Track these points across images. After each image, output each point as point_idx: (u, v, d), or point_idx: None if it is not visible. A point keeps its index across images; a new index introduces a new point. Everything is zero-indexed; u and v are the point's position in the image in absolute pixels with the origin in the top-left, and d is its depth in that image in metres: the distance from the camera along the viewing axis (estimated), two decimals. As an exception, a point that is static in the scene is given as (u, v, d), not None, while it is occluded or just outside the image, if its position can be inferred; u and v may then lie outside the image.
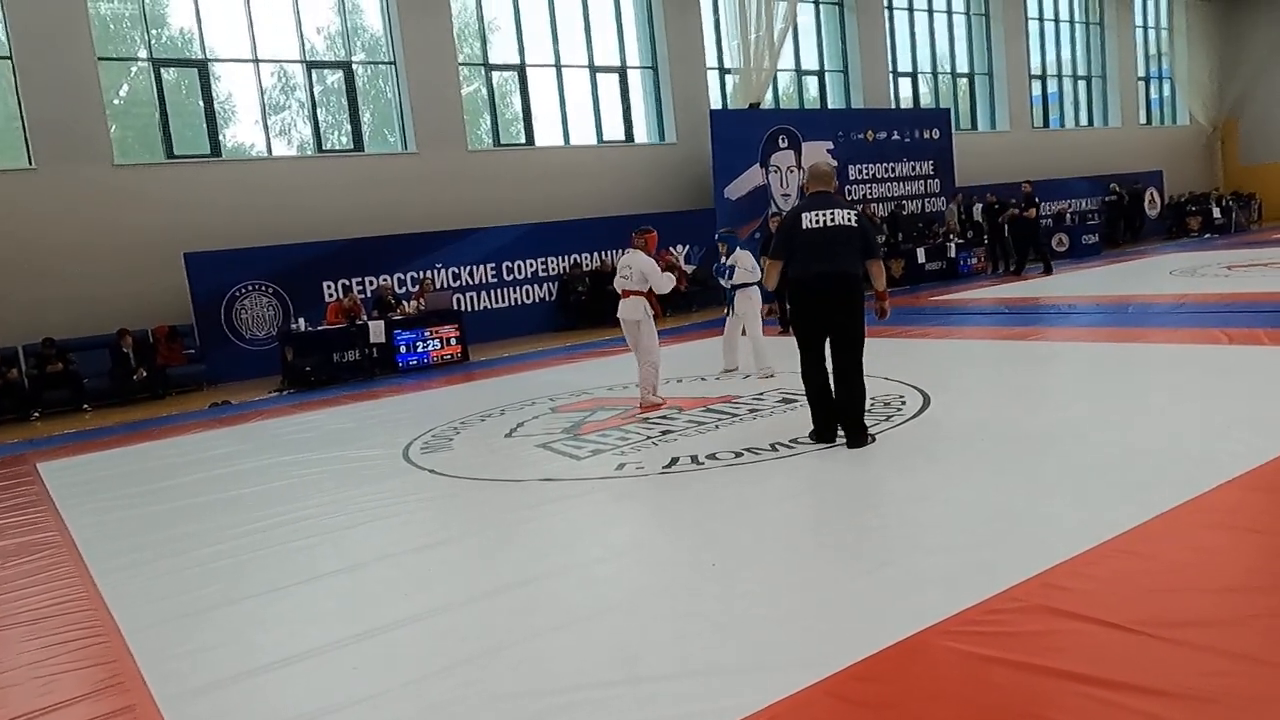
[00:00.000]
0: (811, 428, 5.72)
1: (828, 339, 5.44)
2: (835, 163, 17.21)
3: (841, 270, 5.31)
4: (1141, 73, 25.57)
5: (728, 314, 8.85)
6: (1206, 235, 21.65)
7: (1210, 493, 3.96)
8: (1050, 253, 17.58)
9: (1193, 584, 3.12)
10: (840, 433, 5.59)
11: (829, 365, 5.51)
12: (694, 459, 5.55)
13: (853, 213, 5.46)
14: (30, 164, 11.87)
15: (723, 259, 8.70)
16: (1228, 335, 7.81)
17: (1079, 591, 3.11)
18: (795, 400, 6.99)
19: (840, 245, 5.32)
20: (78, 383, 11.22)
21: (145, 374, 11.46)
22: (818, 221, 5.34)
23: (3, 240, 11.57)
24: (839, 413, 5.51)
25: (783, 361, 8.98)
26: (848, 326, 5.37)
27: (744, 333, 8.64)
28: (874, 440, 5.48)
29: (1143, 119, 25.74)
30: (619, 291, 7.43)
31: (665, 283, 7.36)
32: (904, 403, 6.50)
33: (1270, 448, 4.45)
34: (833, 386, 5.50)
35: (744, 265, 8.50)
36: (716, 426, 6.41)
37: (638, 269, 7.27)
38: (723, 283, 8.77)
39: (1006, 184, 20.09)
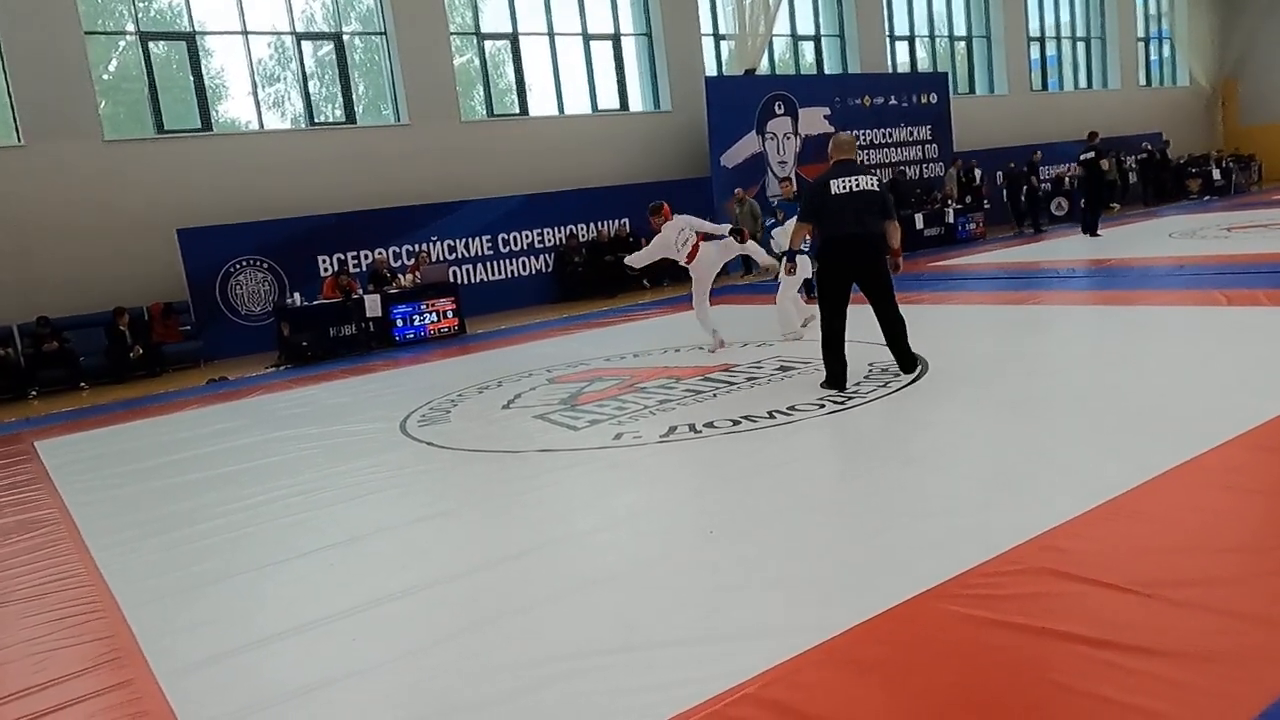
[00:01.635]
0: (824, 377, 6.13)
1: (865, 292, 5.99)
2: (832, 129, 17.14)
3: (868, 232, 5.86)
4: (1141, 33, 25.29)
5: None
6: (1206, 197, 21.53)
7: (1209, 453, 3.94)
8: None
9: (1192, 544, 3.11)
10: (851, 383, 6.10)
11: (854, 321, 6.08)
12: (692, 427, 5.53)
13: (874, 178, 5.99)
14: (19, 141, 11.77)
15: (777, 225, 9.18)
16: (1227, 297, 7.77)
17: (1078, 553, 3.10)
18: (793, 368, 6.97)
19: (865, 209, 5.83)
20: (74, 361, 11.19)
21: (141, 351, 11.43)
22: (844, 187, 5.82)
23: (-7, 218, 11.49)
24: (890, 345, 6.12)
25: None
26: (878, 279, 5.95)
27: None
28: (925, 366, 6.16)
29: (1142, 80, 25.51)
30: (686, 262, 8.02)
31: (718, 226, 8.14)
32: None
33: (1270, 408, 4.42)
34: (882, 332, 6.10)
35: (784, 231, 8.80)
36: (714, 395, 6.39)
37: (690, 227, 7.96)
38: (771, 246, 9.21)
39: (1006, 149, 19.99)
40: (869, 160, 17.92)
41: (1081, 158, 15.04)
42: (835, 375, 6.04)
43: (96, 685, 3.05)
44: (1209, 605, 2.65)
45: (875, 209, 5.87)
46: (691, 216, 8.18)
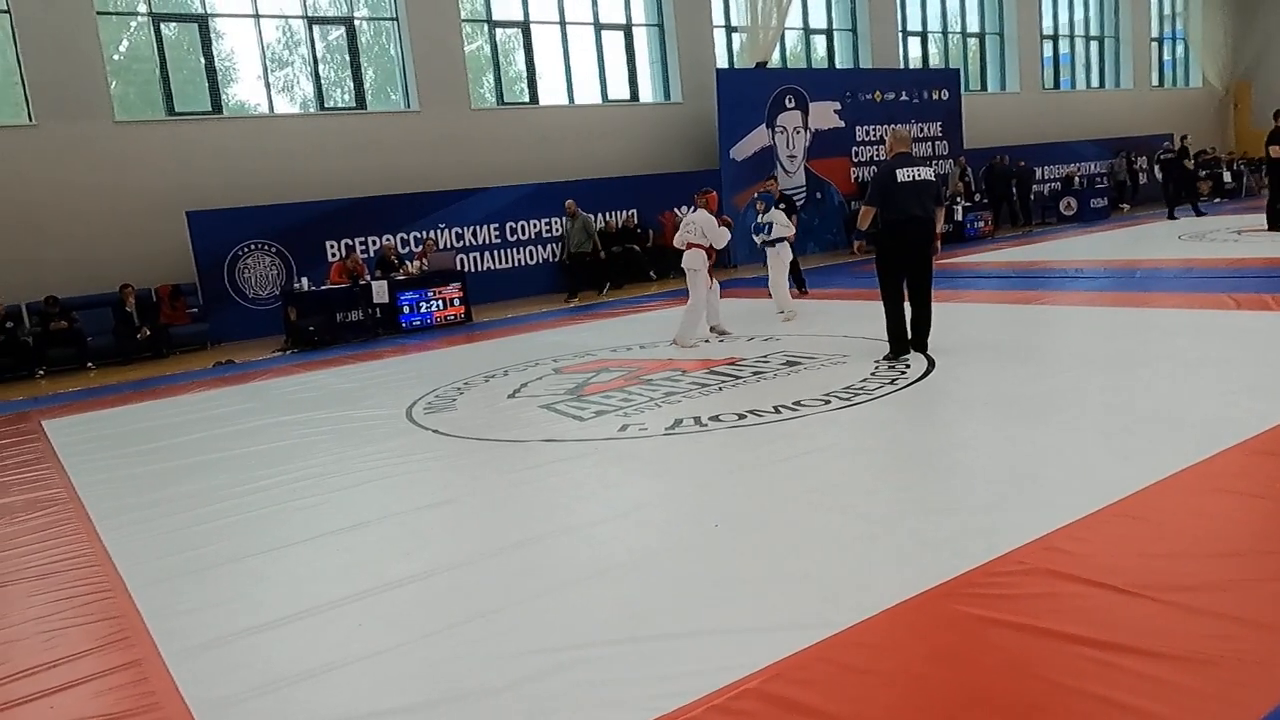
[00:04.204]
0: (887, 350, 6.80)
1: (910, 272, 6.73)
2: (842, 123, 17.14)
3: (927, 215, 6.65)
4: (1155, 34, 25.15)
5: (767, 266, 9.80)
6: (1217, 200, 21.43)
7: (1214, 457, 3.95)
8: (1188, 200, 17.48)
9: (1194, 548, 3.12)
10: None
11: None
12: (697, 420, 5.55)
13: (931, 168, 6.88)
14: (30, 120, 11.78)
15: (759, 218, 9.60)
16: (1236, 300, 7.76)
17: (1080, 555, 3.11)
18: (799, 363, 6.98)
19: (925, 195, 6.63)
20: (81, 341, 11.23)
21: (149, 333, 11.46)
22: (909, 176, 6.60)
23: (3, 197, 11.51)
24: (915, 327, 6.82)
25: (790, 324, 8.97)
26: (925, 262, 6.77)
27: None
28: (931, 364, 6.50)
29: (1155, 81, 25.38)
30: (680, 246, 8.52)
31: (722, 238, 8.42)
32: (908, 366, 6.48)
33: (1275, 413, 4.43)
34: (909, 311, 6.79)
35: (779, 223, 9.43)
36: (720, 388, 6.40)
37: (699, 225, 8.36)
38: (757, 240, 9.70)
39: (1015, 146, 19.93)
40: (879, 155, 17.85)
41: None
42: (899, 347, 6.76)
43: (104, 664, 3.08)
44: (1211, 609, 2.66)
45: (931, 195, 6.70)
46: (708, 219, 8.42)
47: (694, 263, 8.37)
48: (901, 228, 6.61)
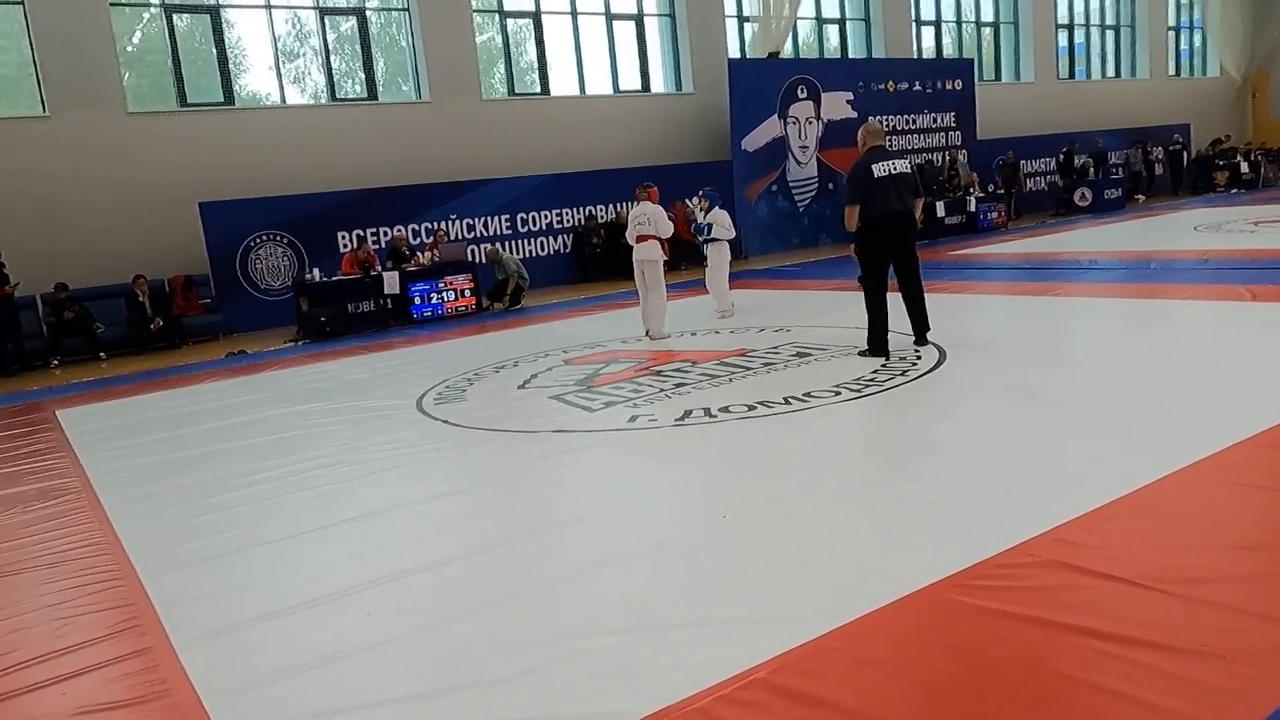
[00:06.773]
0: (865, 347, 6.68)
1: (892, 266, 6.66)
2: (855, 114, 17.05)
3: (907, 209, 6.62)
4: (1172, 22, 24.90)
5: (706, 265, 9.78)
6: (1233, 190, 21.22)
7: (1228, 450, 3.91)
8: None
9: (1207, 541, 3.09)
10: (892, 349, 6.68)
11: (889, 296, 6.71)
12: (707, 412, 5.54)
13: (906, 161, 6.83)
14: (44, 111, 11.83)
15: (701, 217, 9.62)
16: (1251, 292, 7.68)
17: (1092, 547, 3.09)
18: (809, 354, 6.96)
19: (903, 188, 6.60)
20: (94, 331, 11.28)
21: (162, 323, 11.51)
22: (885, 170, 6.54)
23: (17, 188, 11.56)
24: (914, 321, 6.78)
25: (800, 316, 8.96)
26: (911, 253, 6.70)
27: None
28: (943, 355, 6.47)
29: (1171, 70, 25.12)
30: (632, 241, 8.63)
31: (668, 229, 8.58)
32: (919, 358, 6.45)
33: (1291, 405, 4.38)
34: (906, 305, 6.75)
35: (721, 224, 9.43)
36: (730, 379, 6.38)
37: (650, 216, 8.47)
38: (699, 238, 9.65)
39: (1031, 137, 19.77)
40: (891, 146, 17.58)
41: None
42: (881, 343, 6.63)
43: (115, 652, 3.10)
44: (1223, 603, 2.64)
45: (909, 187, 6.66)
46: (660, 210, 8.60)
47: (653, 254, 8.50)
48: (883, 223, 6.54)
